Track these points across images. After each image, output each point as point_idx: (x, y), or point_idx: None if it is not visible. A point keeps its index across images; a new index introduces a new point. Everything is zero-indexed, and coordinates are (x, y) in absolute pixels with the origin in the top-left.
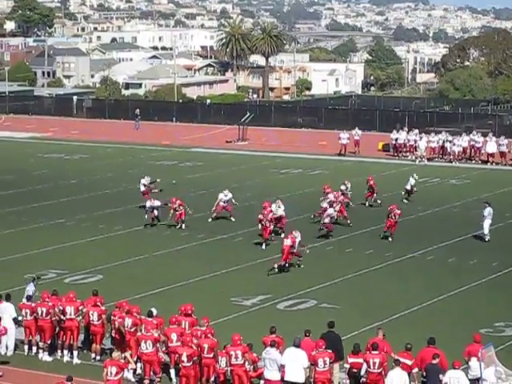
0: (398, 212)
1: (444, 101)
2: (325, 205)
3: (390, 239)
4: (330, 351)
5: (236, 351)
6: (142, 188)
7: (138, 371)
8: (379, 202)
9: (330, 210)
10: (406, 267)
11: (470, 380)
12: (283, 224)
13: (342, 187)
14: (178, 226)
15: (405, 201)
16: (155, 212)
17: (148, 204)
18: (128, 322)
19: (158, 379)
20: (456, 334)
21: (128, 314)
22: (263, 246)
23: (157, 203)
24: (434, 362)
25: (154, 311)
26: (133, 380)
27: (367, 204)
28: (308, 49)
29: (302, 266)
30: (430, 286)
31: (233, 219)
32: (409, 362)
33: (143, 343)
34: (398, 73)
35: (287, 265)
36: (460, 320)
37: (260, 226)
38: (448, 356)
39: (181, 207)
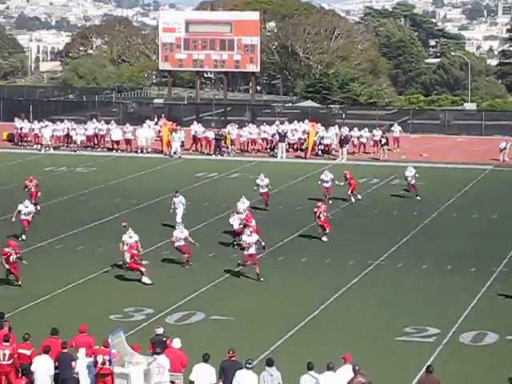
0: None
1: (68, 89)
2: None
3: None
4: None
5: None
6: None
7: None
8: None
9: None
10: (37, 256)
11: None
12: None
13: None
14: None
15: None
16: None
17: None
18: None
19: None
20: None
21: None
22: None
23: None
24: (65, 350)
25: None
26: None
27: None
28: None
29: None
30: (59, 274)
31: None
32: (28, 352)
33: None
34: (21, 62)
35: None
36: (90, 308)
37: None
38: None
39: None
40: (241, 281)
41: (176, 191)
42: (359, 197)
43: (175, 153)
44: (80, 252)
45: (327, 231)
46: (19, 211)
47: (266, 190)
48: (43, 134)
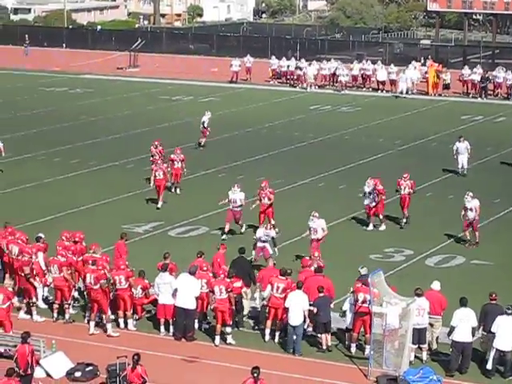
0: None
1: (335, 28)
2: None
3: None
4: (228, 280)
5: (120, 276)
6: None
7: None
8: None
9: None
10: (297, 193)
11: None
12: None
13: None
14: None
15: None
16: None
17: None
18: (14, 249)
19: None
20: (349, 260)
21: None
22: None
23: None
24: (321, 295)
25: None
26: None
27: None
28: None
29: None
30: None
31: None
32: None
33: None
34: (290, 0)
35: None
36: (350, 246)
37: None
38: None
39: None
40: (499, 228)
41: (460, 136)
42: None
43: (401, 92)
44: (341, 191)
45: None
46: None
47: None
48: (307, 73)
